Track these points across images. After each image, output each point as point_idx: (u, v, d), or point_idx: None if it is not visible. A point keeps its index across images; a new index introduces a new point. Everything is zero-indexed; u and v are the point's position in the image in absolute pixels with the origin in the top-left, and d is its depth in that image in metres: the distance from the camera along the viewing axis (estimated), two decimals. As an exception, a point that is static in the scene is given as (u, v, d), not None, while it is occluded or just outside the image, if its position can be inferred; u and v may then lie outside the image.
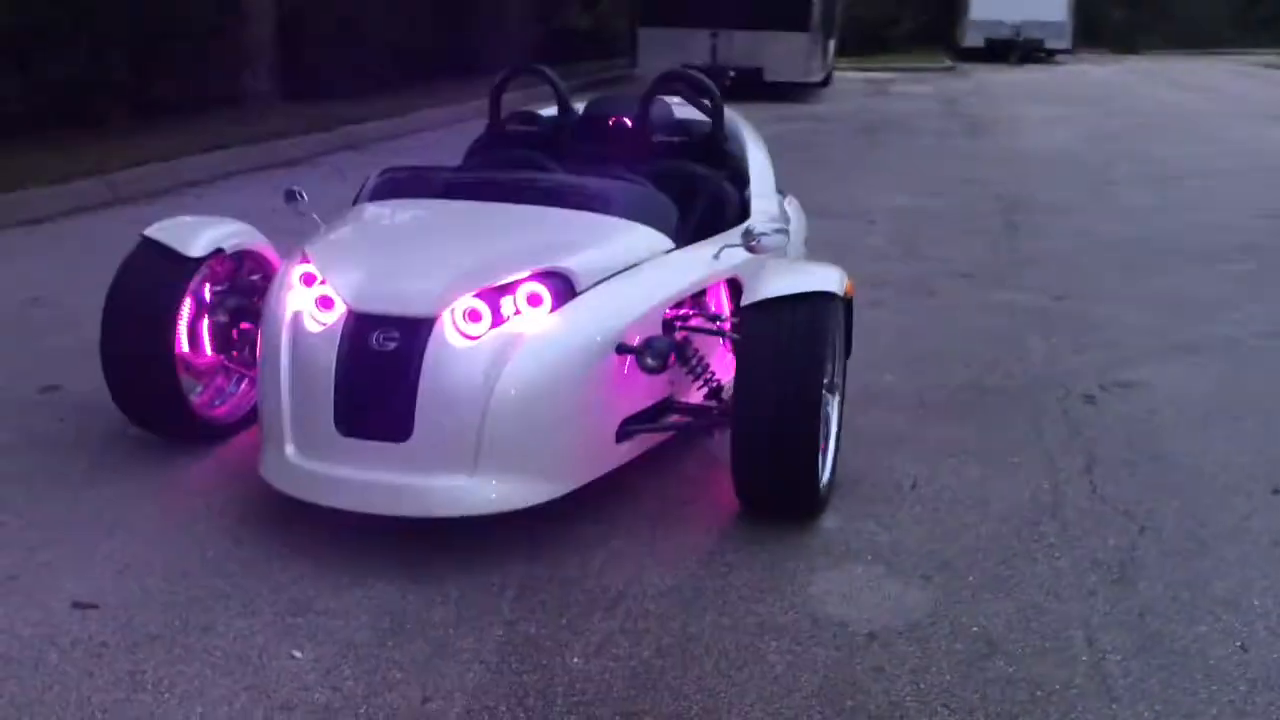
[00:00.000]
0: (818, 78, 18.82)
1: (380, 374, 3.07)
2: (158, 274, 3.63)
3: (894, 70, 25.86)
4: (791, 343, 3.16)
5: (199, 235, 3.71)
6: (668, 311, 3.40)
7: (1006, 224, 8.17)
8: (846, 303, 3.46)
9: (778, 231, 3.56)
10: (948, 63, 28.16)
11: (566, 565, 3.11)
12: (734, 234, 3.66)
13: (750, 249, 3.48)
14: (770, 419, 3.13)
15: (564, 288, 3.19)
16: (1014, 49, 29.14)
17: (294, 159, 10.11)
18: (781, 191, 4.70)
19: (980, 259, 7.00)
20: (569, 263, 3.24)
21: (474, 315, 3.09)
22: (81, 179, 8.08)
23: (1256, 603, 2.97)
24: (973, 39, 29.78)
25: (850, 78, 22.98)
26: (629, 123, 4.42)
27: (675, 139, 4.39)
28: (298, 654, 2.67)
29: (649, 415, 3.43)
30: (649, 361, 3.18)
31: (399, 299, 3.14)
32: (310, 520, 3.19)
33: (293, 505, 3.16)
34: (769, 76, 16.85)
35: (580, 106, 4.67)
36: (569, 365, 3.13)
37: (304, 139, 10.61)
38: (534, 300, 3.14)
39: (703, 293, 3.65)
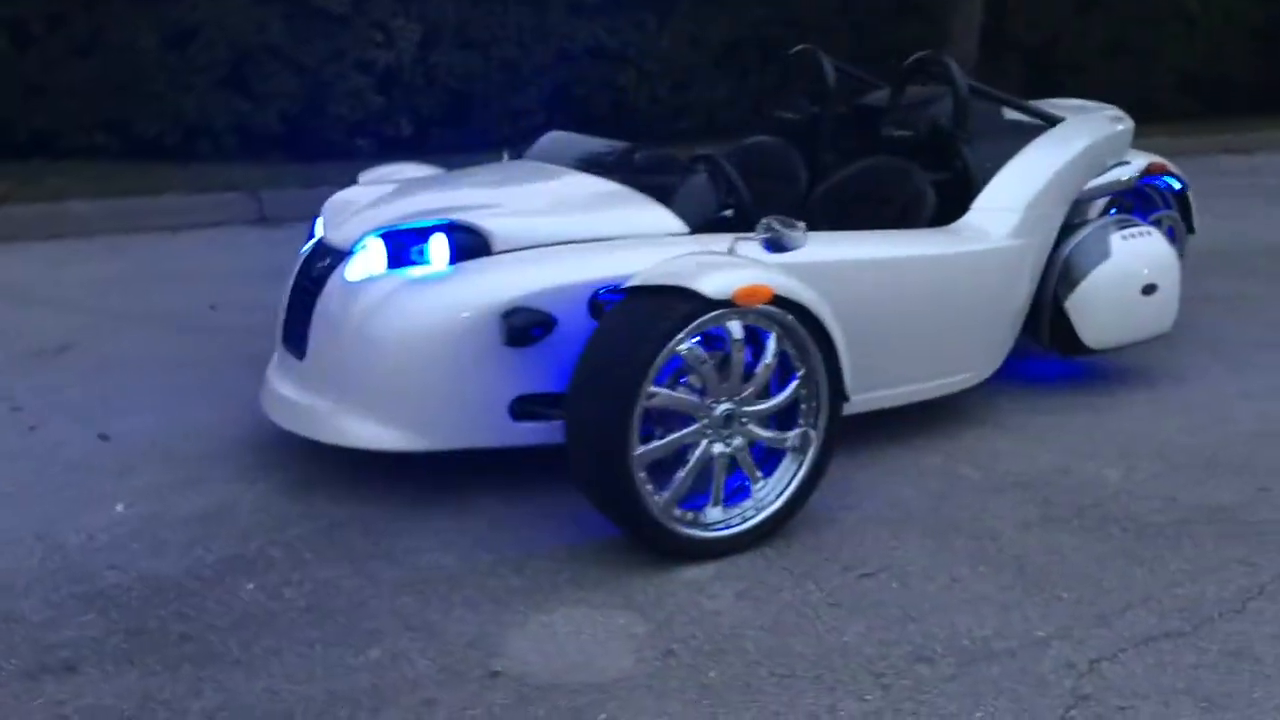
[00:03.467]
0: None
1: (305, 295, 3.34)
2: None
3: None
4: (615, 338, 2.77)
5: None
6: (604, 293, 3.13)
7: None
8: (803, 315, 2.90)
9: (792, 230, 3.08)
10: None
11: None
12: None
13: (769, 244, 3.07)
14: (575, 421, 2.79)
15: (474, 243, 3.14)
16: None
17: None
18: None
19: None
20: (489, 222, 3.18)
21: (375, 255, 3.20)
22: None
23: None
24: None
25: None
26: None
27: (902, 133, 3.93)
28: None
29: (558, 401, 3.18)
30: (502, 334, 3.00)
31: (341, 232, 3.37)
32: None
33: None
34: None
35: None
36: (445, 322, 3.05)
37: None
38: (438, 251, 3.16)
39: None
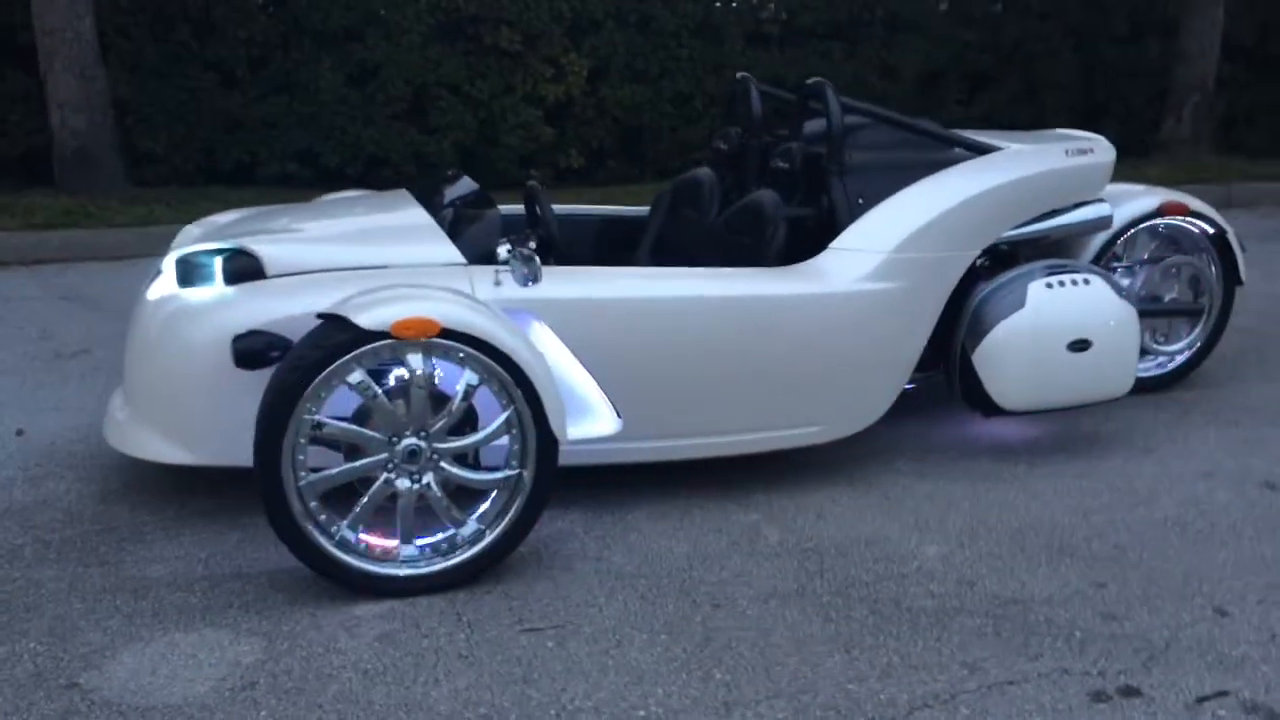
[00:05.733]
0: None
1: None
2: None
3: None
4: (281, 367, 2.78)
5: None
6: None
7: None
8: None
9: (527, 260, 3.02)
10: None
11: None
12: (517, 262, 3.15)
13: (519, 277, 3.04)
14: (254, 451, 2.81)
15: (250, 267, 3.23)
16: None
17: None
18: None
19: None
20: (265, 247, 3.25)
21: (170, 276, 3.36)
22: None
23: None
24: None
25: None
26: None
27: (781, 165, 3.72)
28: None
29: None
30: (232, 356, 3.06)
31: (168, 255, 3.54)
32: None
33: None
34: None
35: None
36: (201, 342, 3.13)
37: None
38: (218, 274, 3.27)
39: None
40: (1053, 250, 4.11)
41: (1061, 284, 3.64)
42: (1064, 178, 3.86)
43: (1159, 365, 4.36)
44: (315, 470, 2.83)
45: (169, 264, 3.40)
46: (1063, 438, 3.92)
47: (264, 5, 9.09)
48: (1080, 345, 3.61)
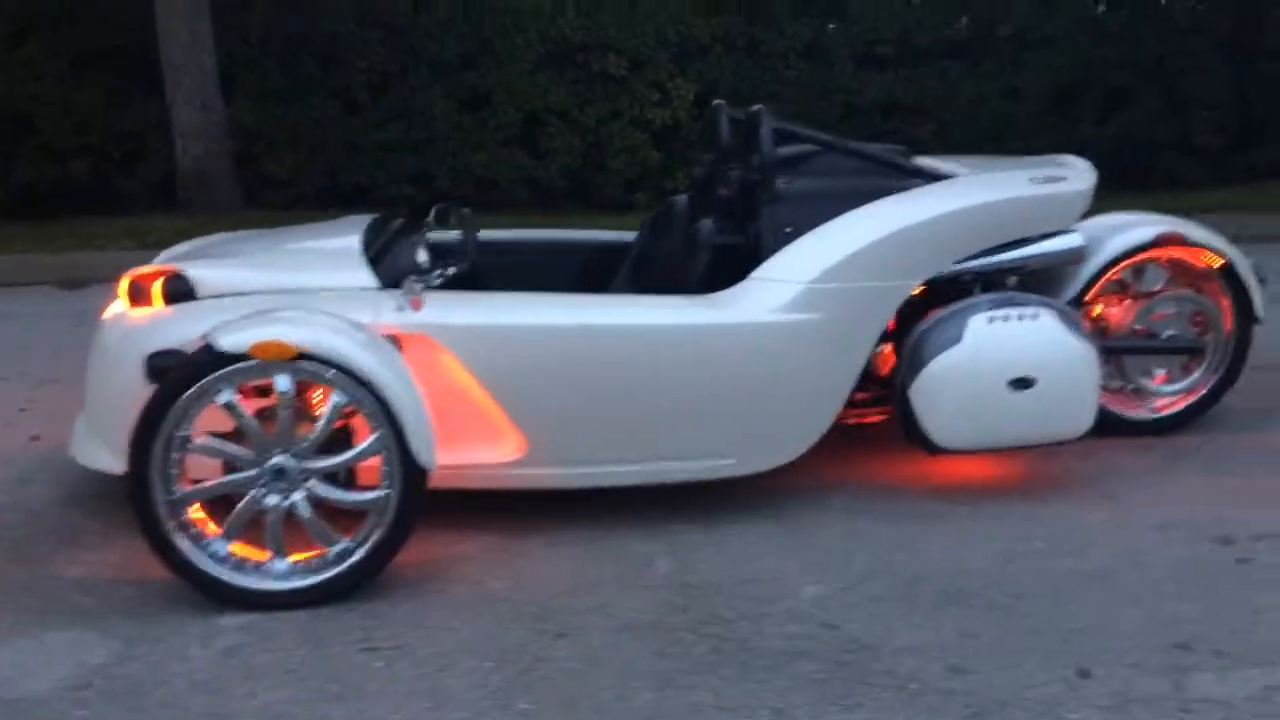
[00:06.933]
0: None
1: None
2: None
3: None
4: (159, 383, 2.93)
5: None
6: None
7: None
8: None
9: (410, 288, 3.12)
10: None
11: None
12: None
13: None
14: None
15: (184, 288, 3.41)
16: None
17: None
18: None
19: None
20: (198, 270, 3.42)
21: (122, 295, 3.57)
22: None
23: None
24: None
25: None
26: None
27: (723, 192, 3.70)
28: None
29: None
30: (145, 373, 3.22)
31: None
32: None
33: None
34: None
35: None
36: (135, 359, 3.28)
37: None
38: (156, 294, 3.46)
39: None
40: (1030, 282, 3.90)
41: (1006, 318, 3.45)
42: (1024, 207, 3.66)
43: (1151, 408, 4.06)
44: (198, 482, 2.97)
45: (122, 285, 3.62)
46: (1028, 478, 3.71)
47: (383, 37, 9.52)
48: (1023, 383, 3.41)
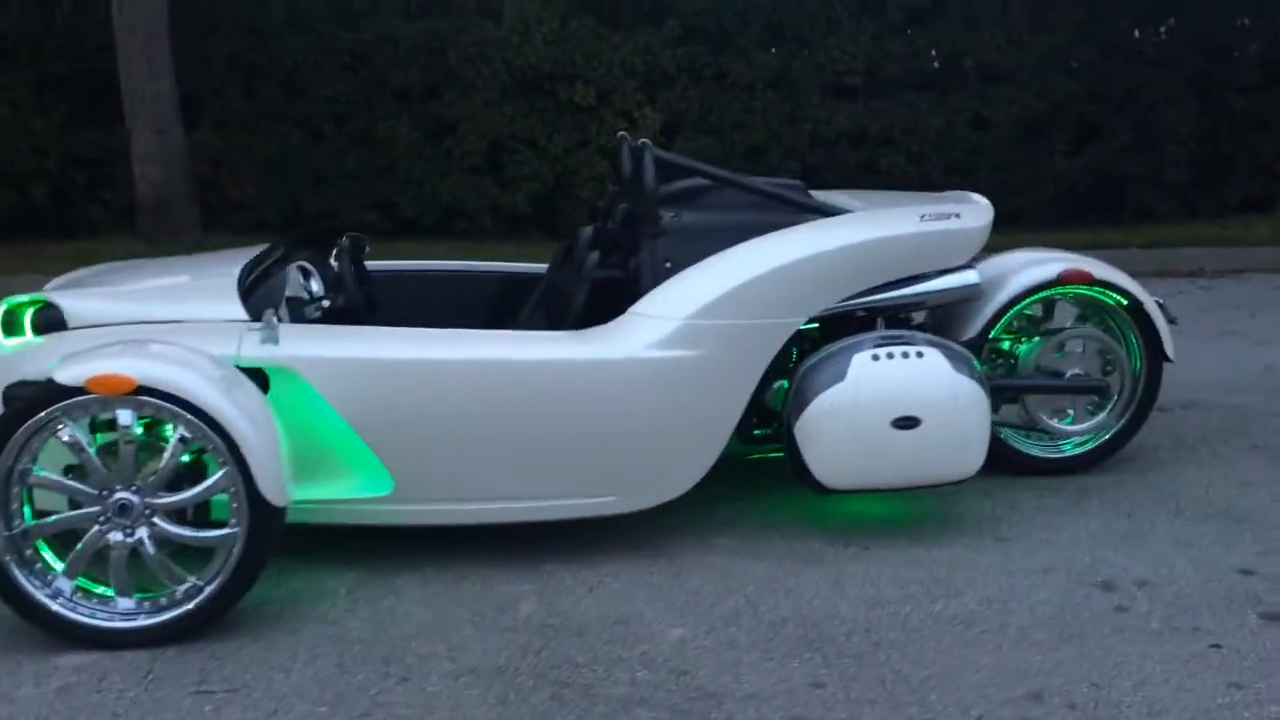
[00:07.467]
0: None
1: None
2: None
3: None
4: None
5: None
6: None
7: None
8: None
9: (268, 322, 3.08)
10: None
11: None
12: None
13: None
14: None
15: (55, 318, 3.36)
16: None
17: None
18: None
19: None
20: (68, 300, 3.37)
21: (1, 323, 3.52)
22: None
23: None
24: None
25: None
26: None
27: (610, 226, 3.66)
28: None
29: None
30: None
31: None
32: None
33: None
34: None
35: None
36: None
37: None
38: (33, 323, 3.41)
39: None
40: (935, 319, 3.84)
41: (890, 356, 3.38)
42: (912, 244, 3.59)
43: (1053, 448, 3.97)
44: (45, 514, 2.92)
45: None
46: (919, 519, 3.63)
47: (347, 65, 9.51)
48: (908, 422, 3.34)
